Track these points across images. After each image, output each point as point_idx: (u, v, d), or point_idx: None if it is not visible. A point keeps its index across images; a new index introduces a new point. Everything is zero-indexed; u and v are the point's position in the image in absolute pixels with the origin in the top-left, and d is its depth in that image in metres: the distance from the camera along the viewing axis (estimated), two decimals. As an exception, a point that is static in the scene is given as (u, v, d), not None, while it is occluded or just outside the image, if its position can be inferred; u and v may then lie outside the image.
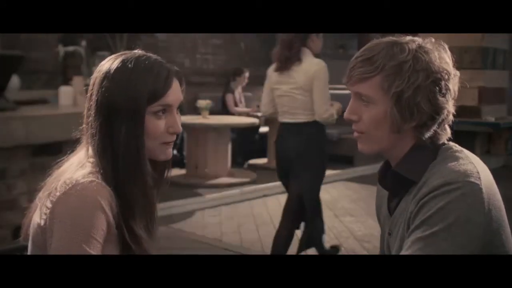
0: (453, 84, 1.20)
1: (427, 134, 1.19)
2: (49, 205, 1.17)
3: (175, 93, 1.25)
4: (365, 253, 3.93)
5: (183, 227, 4.55)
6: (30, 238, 1.24)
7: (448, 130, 1.23)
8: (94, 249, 1.13)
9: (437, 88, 1.16)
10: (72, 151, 1.31)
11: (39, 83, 5.94)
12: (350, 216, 4.95)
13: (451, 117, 1.22)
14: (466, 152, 1.21)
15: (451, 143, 1.23)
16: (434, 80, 1.16)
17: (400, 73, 1.15)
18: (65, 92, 3.56)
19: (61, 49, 4.71)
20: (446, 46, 1.23)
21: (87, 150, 1.25)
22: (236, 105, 7.48)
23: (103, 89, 1.21)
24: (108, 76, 1.22)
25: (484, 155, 6.13)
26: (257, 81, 8.82)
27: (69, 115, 2.95)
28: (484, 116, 5.95)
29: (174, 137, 1.28)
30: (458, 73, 1.22)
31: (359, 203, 5.40)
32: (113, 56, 1.28)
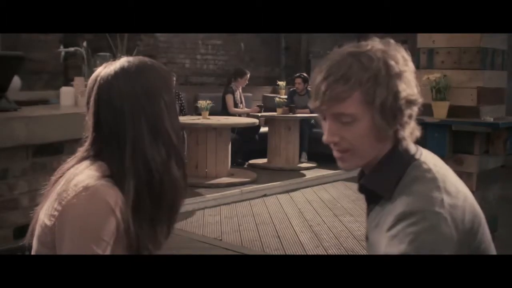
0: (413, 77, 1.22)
1: (407, 132, 1.20)
2: (59, 207, 1.18)
3: None
4: (364, 252, 3.94)
5: (183, 227, 4.56)
6: (36, 237, 1.26)
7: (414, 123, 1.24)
8: (104, 251, 1.15)
9: (408, 86, 1.18)
10: (77, 152, 1.33)
11: (40, 83, 5.96)
12: (350, 216, 4.96)
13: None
14: (435, 171, 1.18)
15: (423, 157, 1.22)
16: (404, 81, 1.18)
17: (378, 82, 1.15)
18: (66, 93, 3.56)
19: (62, 50, 4.72)
20: (400, 45, 1.24)
21: (96, 154, 1.26)
22: (236, 105, 7.48)
23: (111, 111, 1.24)
24: (113, 97, 1.24)
25: (483, 155, 6.14)
26: (257, 82, 8.85)
27: (70, 115, 2.95)
28: (483, 116, 5.98)
29: None
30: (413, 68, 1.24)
31: (359, 203, 5.41)
32: (107, 72, 1.28)
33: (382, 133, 1.18)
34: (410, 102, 1.18)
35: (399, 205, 1.14)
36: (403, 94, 1.16)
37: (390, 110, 1.16)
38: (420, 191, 1.14)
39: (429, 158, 1.23)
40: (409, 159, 1.20)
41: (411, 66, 1.21)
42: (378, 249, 1.19)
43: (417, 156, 1.21)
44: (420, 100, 1.20)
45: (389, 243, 1.11)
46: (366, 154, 1.21)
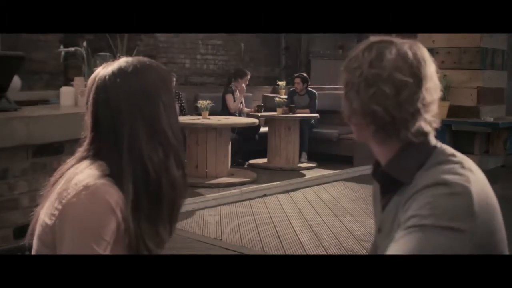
0: (413, 91, 1.18)
1: (389, 132, 1.21)
2: (59, 206, 1.19)
3: None
4: (364, 252, 3.94)
5: (183, 227, 4.55)
6: (36, 236, 1.26)
7: (429, 131, 1.23)
8: (104, 250, 1.15)
9: (395, 89, 1.18)
10: (77, 152, 1.33)
11: (40, 83, 5.97)
12: (350, 216, 4.96)
13: (427, 117, 1.21)
14: (459, 156, 1.22)
15: (444, 146, 1.25)
16: (389, 87, 1.18)
17: (353, 85, 1.21)
18: (66, 93, 3.56)
19: (62, 50, 4.72)
20: (420, 51, 1.22)
21: (96, 153, 1.26)
22: (235, 105, 7.49)
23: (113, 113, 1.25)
24: (111, 98, 1.25)
25: (483, 155, 6.13)
26: (257, 82, 8.86)
27: (70, 115, 2.95)
28: (483, 116, 5.97)
29: None
30: (434, 77, 1.22)
31: (358, 202, 5.42)
32: (105, 74, 1.29)
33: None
34: (379, 104, 1.18)
35: (424, 180, 1.16)
36: (379, 100, 1.18)
37: (364, 110, 1.21)
38: (447, 168, 1.16)
39: (449, 148, 1.25)
40: (430, 148, 1.23)
41: (413, 71, 1.19)
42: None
43: (438, 145, 1.24)
44: (415, 110, 1.18)
45: (411, 211, 1.13)
46: (361, 133, 1.28)
